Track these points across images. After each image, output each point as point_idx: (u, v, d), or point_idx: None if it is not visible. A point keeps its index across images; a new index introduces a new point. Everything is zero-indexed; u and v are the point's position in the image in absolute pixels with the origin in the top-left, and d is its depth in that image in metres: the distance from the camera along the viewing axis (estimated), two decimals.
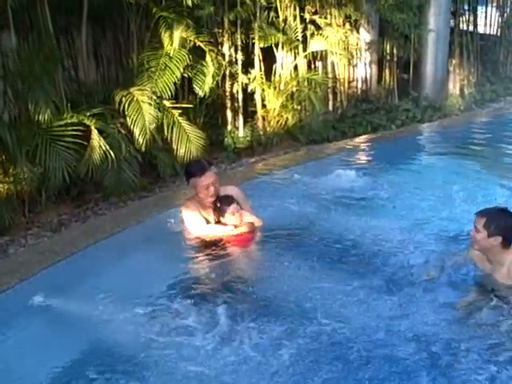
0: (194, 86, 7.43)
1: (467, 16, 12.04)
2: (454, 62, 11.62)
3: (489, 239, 3.94)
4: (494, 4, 12.97)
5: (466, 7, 12.04)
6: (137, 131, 6.59)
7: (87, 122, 6.21)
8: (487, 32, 13.11)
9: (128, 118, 6.61)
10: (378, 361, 3.46)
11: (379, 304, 4.05)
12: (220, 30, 8.26)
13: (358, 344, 3.60)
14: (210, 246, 4.83)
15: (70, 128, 6.08)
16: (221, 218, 4.83)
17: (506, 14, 12.85)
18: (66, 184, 6.19)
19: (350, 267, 4.61)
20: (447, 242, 5.02)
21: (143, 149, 6.70)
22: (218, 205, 4.81)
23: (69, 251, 4.92)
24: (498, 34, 13.03)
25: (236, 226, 4.86)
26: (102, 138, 6.25)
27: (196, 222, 4.85)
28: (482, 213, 4.03)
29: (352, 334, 3.71)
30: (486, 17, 12.94)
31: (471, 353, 3.48)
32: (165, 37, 7.02)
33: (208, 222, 4.87)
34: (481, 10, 12.67)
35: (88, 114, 6.26)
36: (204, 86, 7.42)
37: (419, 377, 3.32)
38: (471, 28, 12.15)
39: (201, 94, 7.46)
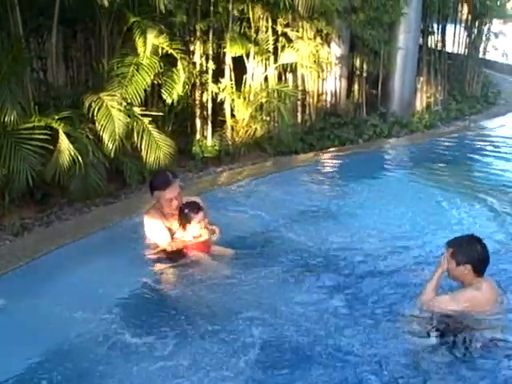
0: (163, 92, 7.42)
1: (436, 35, 12.26)
2: (421, 79, 11.81)
3: (458, 267, 3.98)
4: (463, 24, 13.23)
5: (435, 26, 12.25)
6: (106, 137, 6.53)
7: (55, 125, 6.14)
8: (455, 51, 13.36)
9: (97, 124, 6.55)
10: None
11: (342, 319, 4.12)
12: (192, 39, 8.28)
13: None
14: (170, 253, 4.83)
15: (36, 131, 6.00)
16: (186, 225, 4.83)
17: (473, 35, 13.11)
18: (30, 187, 6.10)
19: (313, 279, 4.68)
20: (406, 255, 5.17)
21: (112, 155, 6.65)
22: (185, 211, 4.81)
23: (30, 256, 4.87)
24: (466, 53, 13.28)
25: (196, 237, 4.87)
26: (69, 143, 6.18)
27: (157, 232, 4.85)
28: (449, 243, 4.08)
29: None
30: (454, 36, 13.18)
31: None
32: (138, 42, 6.99)
33: (171, 230, 4.87)
34: (450, 28, 12.91)
35: (56, 117, 6.19)
36: (173, 93, 7.42)
37: None
38: (440, 47, 12.37)
39: (169, 101, 7.45)
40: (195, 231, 4.83)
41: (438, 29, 12.31)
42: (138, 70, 6.95)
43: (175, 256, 4.81)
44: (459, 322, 3.90)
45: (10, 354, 3.70)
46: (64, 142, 6.14)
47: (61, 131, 6.16)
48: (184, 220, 4.82)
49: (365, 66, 10.72)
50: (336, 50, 10.13)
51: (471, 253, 3.96)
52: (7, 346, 3.76)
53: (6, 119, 5.81)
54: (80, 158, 6.20)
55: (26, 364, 3.63)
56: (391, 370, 3.57)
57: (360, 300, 4.36)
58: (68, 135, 6.21)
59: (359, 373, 3.54)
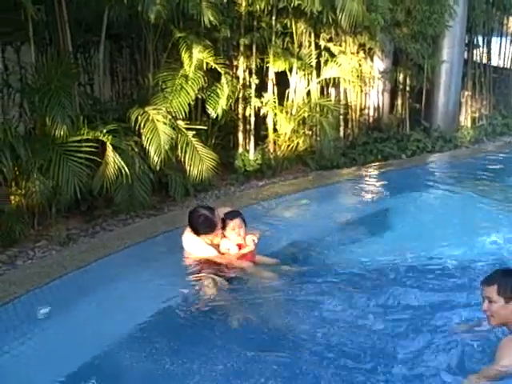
0: (207, 106, 7.50)
1: (481, 48, 12.09)
2: (466, 93, 11.69)
3: (508, 306, 3.48)
4: (509, 37, 13.03)
5: (481, 39, 12.09)
6: (152, 150, 6.63)
7: (103, 138, 6.26)
8: (500, 65, 13.16)
9: (143, 137, 6.66)
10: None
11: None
12: (235, 53, 8.36)
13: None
14: (214, 264, 4.84)
15: (84, 144, 6.12)
16: (225, 232, 4.87)
17: None
18: (76, 199, 6.22)
19: (359, 294, 4.63)
20: (455, 271, 5.07)
21: (158, 167, 6.75)
22: (222, 217, 4.86)
23: (76, 265, 4.95)
24: None
25: (240, 246, 4.89)
26: (116, 155, 6.30)
27: (201, 247, 4.87)
28: (489, 280, 3.57)
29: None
30: (499, 49, 12.99)
31: None
32: (184, 57, 7.09)
33: (212, 244, 4.89)
34: (495, 41, 12.73)
35: (103, 130, 6.31)
36: (217, 107, 7.49)
37: None
38: (485, 60, 12.20)
39: (213, 115, 7.53)
40: (235, 237, 4.86)
41: (483, 42, 12.15)
42: (182, 85, 7.03)
43: (220, 267, 4.82)
44: None
45: (53, 358, 3.76)
46: (111, 155, 6.25)
47: (108, 144, 6.27)
48: (222, 227, 4.86)
49: (408, 81, 10.66)
50: (379, 64, 10.10)
51: None
52: (50, 351, 3.84)
53: (56, 132, 5.94)
54: (126, 170, 6.30)
55: (72, 369, 3.66)
56: None
57: (406, 313, 4.28)
58: (115, 148, 6.32)
59: None
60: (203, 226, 4.79)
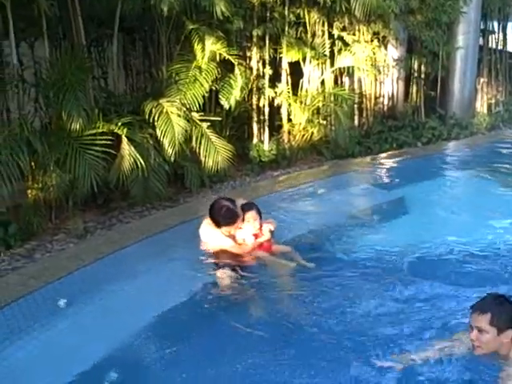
0: (220, 97, 7.49)
1: (497, 34, 11.96)
2: (482, 80, 11.56)
3: (499, 337, 3.17)
4: None
5: (496, 25, 11.95)
6: (166, 142, 6.65)
7: (118, 131, 6.29)
8: None
9: (158, 129, 6.67)
10: None
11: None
12: (248, 44, 8.34)
13: None
14: (227, 258, 4.87)
15: (99, 137, 6.15)
16: (240, 224, 4.88)
17: None
18: (92, 192, 6.27)
19: (375, 283, 4.64)
20: (472, 258, 5.04)
21: (172, 159, 6.77)
22: (237, 210, 4.85)
23: (94, 257, 4.99)
24: None
25: (256, 236, 4.91)
26: (131, 147, 6.32)
27: (218, 238, 4.89)
28: (481, 308, 3.21)
29: None
30: None
31: None
32: (197, 49, 7.09)
33: (229, 235, 4.91)
34: (511, 27, 12.55)
35: (118, 123, 6.34)
36: (230, 98, 7.48)
37: None
38: (500, 46, 12.06)
39: (226, 106, 7.52)
40: (251, 229, 4.88)
41: (498, 28, 11.99)
42: (196, 76, 7.03)
43: (236, 257, 4.84)
44: None
45: (71, 350, 3.80)
46: (126, 147, 6.28)
47: (123, 137, 6.30)
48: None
49: (423, 68, 10.57)
50: (393, 52, 10.03)
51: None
52: (69, 343, 3.88)
53: (72, 126, 5.98)
54: (142, 163, 6.32)
55: (89, 361, 3.70)
56: None
57: (432, 303, 4.27)
58: (130, 140, 6.35)
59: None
60: (225, 217, 4.79)
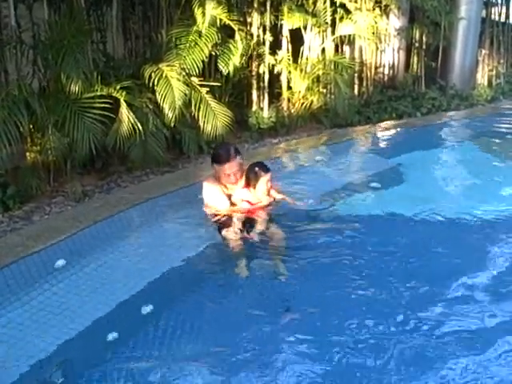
0: (219, 62, 7.42)
1: (499, 6, 11.86)
2: (483, 51, 11.49)
3: None
4: None
5: None
6: (166, 106, 6.61)
7: (116, 94, 6.25)
8: None
9: (157, 94, 6.63)
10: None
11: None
12: (249, 10, 8.25)
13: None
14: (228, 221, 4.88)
15: (98, 100, 6.12)
16: (256, 185, 4.85)
17: None
18: (91, 156, 6.26)
19: (371, 252, 4.67)
20: (471, 224, 5.07)
21: (172, 124, 6.75)
22: (256, 169, 4.85)
23: (92, 219, 5.01)
24: None
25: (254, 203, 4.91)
26: (130, 111, 6.30)
27: (216, 198, 4.92)
28: None
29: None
30: None
31: None
32: (197, 13, 7.01)
33: (230, 196, 4.93)
34: None
35: (117, 86, 6.30)
36: (229, 64, 7.43)
37: None
38: (503, 19, 11.97)
39: (225, 71, 7.47)
40: (263, 190, 4.86)
41: (501, 0, 11.89)
42: (196, 41, 6.97)
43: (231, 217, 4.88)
44: None
45: (71, 310, 3.87)
46: (125, 111, 6.25)
47: (122, 100, 6.26)
48: (253, 179, 4.83)
49: (424, 38, 10.49)
50: (395, 21, 9.95)
51: None
52: (68, 303, 3.94)
53: (71, 88, 5.94)
54: (140, 127, 6.30)
55: (88, 322, 3.76)
56: None
57: (433, 281, 4.21)
58: (128, 104, 6.32)
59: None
60: (220, 152, 4.86)
